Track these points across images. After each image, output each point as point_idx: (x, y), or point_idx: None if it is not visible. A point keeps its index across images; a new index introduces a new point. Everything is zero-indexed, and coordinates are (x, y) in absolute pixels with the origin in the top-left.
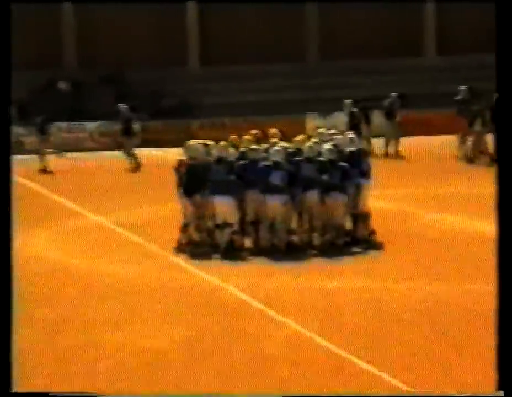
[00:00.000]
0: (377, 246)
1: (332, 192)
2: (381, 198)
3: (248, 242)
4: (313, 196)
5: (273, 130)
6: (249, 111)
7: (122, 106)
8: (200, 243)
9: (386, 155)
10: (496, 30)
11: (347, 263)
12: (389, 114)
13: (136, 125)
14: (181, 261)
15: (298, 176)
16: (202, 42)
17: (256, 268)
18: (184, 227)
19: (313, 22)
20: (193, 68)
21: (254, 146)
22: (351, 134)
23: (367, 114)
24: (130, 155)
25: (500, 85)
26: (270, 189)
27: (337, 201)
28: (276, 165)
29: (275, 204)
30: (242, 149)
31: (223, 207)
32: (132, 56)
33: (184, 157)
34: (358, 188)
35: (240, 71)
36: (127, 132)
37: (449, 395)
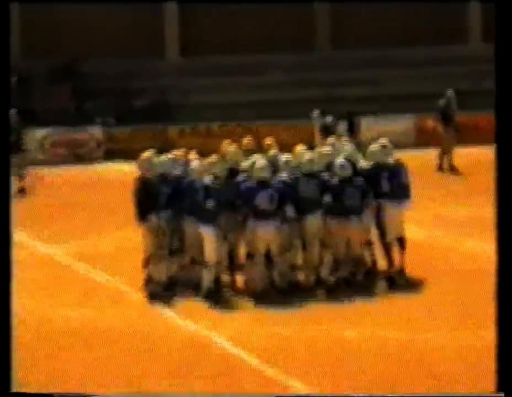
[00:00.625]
0: (406, 285)
1: (352, 215)
2: (414, 222)
3: (237, 281)
4: (313, 220)
5: (269, 141)
6: (244, 113)
7: (11, 112)
8: (167, 282)
9: (439, 168)
10: (496, 30)
11: (366, 306)
12: (446, 118)
13: (26, 138)
14: (154, 304)
15: (295, 195)
16: (184, 26)
17: (251, 314)
18: (146, 262)
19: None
20: (172, 58)
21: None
22: (384, 141)
23: (352, 122)
24: (21, 175)
25: (500, 85)
26: (258, 214)
27: (356, 227)
28: (262, 184)
29: (265, 232)
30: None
31: (207, 238)
32: (94, 43)
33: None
34: (391, 210)
35: (232, 63)
36: (17, 145)
37: (449, 395)
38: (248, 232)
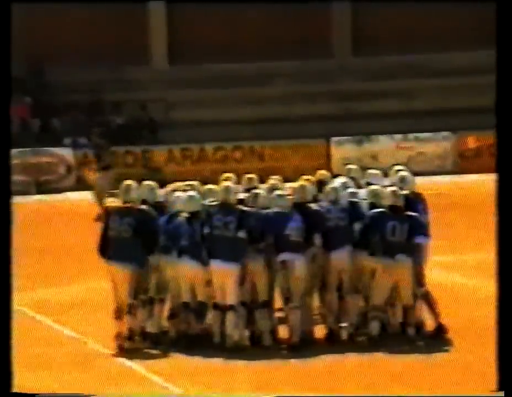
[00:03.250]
0: (444, 343)
1: (399, 254)
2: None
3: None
4: (341, 256)
5: (249, 176)
6: (243, 132)
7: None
8: (149, 336)
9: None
10: (496, 30)
11: (409, 368)
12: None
13: None
14: (133, 365)
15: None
16: (172, 29)
17: (259, 376)
18: (118, 312)
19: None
20: (158, 66)
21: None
22: (402, 170)
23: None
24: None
25: (500, 85)
26: (289, 246)
27: (405, 268)
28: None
29: (300, 268)
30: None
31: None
32: (59, 47)
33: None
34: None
35: (231, 72)
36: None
37: (449, 395)
38: (278, 268)
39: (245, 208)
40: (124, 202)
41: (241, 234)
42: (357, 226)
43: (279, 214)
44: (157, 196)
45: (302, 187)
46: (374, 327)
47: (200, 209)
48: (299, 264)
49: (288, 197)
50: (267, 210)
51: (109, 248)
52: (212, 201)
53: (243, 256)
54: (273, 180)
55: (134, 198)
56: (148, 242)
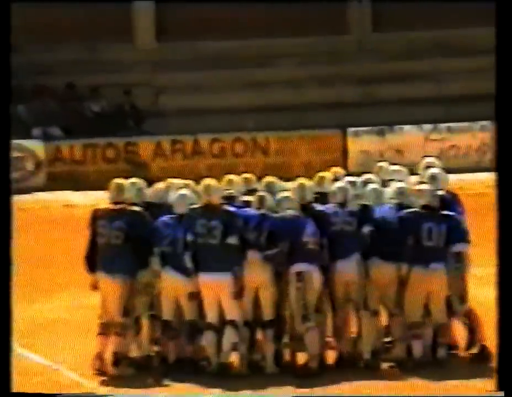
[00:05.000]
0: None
1: (433, 263)
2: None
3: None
4: (348, 266)
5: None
6: (245, 121)
7: None
8: (133, 361)
9: None
10: (496, 30)
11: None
12: None
13: None
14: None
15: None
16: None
17: None
18: (105, 328)
19: None
20: (144, 44)
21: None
22: (433, 166)
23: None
24: None
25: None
26: (303, 255)
27: (440, 278)
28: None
29: (316, 280)
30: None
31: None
32: (27, 22)
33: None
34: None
35: (229, 51)
36: None
37: (449, 395)
38: (292, 280)
39: (233, 209)
40: (115, 203)
41: (231, 240)
42: (366, 229)
43: (296, 218)
44: (146, 196)
45: (301, 186)
46: (416, 348)
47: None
48: (317, 277)
49: (293, 198)
50: (282, 213)
51: (97, 257)
52: (193, 204)
53: (236, 264)
54: (269, 178)
55: (127, 199)
56: (141, 250)
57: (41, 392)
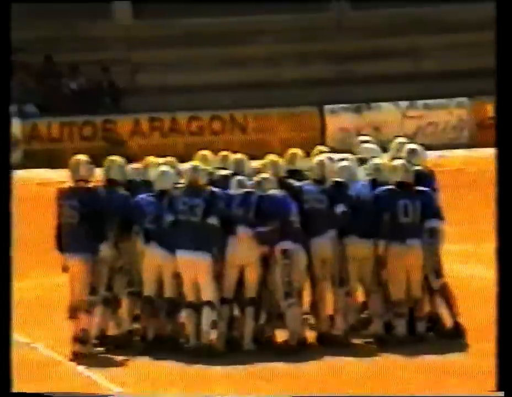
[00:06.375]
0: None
1: (409, 239)
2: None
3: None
4: (324, 245)
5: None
6: (222, 98)
7: None
8: (110, 339)
9: None
10: (496, 31)
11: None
12: None
13: None
14: (92, 374)
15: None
16: None
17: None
18: (72, 310)
19: None
20: (121, 21)
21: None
22: (406, 143)
23: None
24: None
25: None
26: (294, 234)
27: (417, 254)
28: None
29: (301, 258)
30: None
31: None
32: None
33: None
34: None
35: (207, 28)
36: None
37: (449, 395)
38: (283, 258)
39: (216, 190)
40: (75, 182)
41: (212, 220)
42: (339, 208)
43: (284, 197)
44: (127, 174)
45: (273, 162)
46: (400, 326)
47: (170, 188)
48: (302, 255)
49: (271, 178)
50: (274, 192)
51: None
52: (178, 183)
53: (215, 245)
54: (239, 156)
55: (83, 177)
56: (96, 225)
57: (20, 370)
